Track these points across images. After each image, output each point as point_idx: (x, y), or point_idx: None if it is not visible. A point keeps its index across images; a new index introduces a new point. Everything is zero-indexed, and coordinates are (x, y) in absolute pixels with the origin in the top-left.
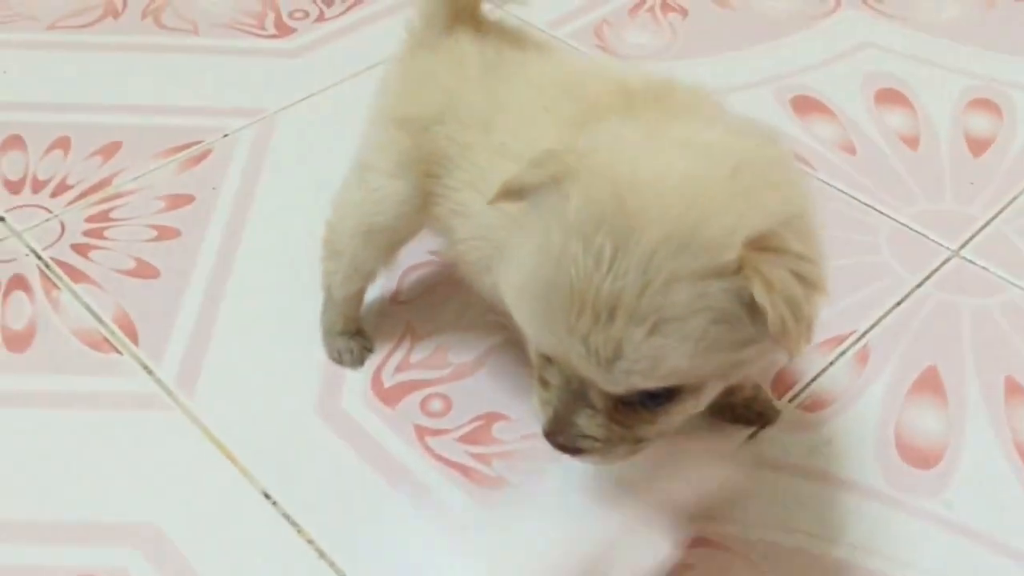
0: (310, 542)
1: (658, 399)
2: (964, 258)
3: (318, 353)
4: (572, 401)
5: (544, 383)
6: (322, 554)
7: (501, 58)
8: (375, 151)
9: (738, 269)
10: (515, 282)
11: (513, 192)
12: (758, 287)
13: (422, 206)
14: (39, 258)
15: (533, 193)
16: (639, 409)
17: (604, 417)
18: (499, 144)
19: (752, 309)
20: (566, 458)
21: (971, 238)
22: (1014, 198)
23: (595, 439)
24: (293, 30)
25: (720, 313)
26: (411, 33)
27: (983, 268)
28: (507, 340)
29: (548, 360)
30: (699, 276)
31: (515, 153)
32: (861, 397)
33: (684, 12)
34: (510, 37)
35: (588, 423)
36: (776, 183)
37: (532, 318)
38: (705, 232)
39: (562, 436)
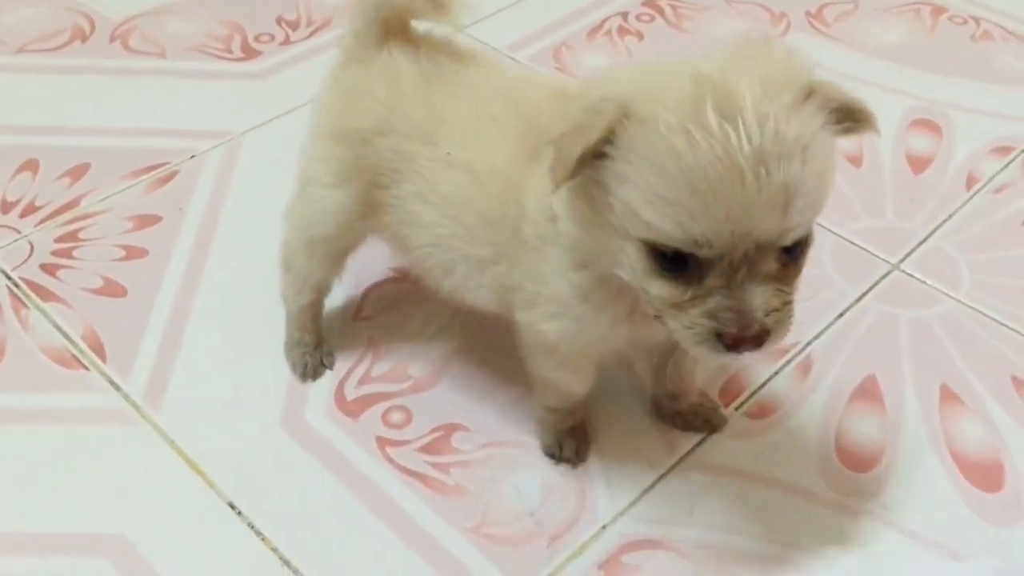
0: (274, 550)
1: (798, 250)
2: (904, 271)
3: (283, 367)
4: (742, 289)
5: (694, 303)
6: (286, 562)
7: (438, 69)
8: (315, 164)
9: (810, 92)
10: (665, 209)
11: (587, 155)
12: (839, 92)
13: (364, 215)
14: (8, 278)
15: (604, 144)
16: (788, 265)
17: (772, 286)
18: (445, 155)
19: (832, 115)
20: None
21: (910, 252)
22: (951, 214)
23: (776, 310)
24: (259, 53)
25: (822, 126)
26: (343, 49)
27: (921, 281)
28: (464, 349)
29: (698, 276)
30: (798, 103)
31: (463, 163)
32: (804, 405)
33: (640, 35)
34: (443, 48)
35: (766, 298)
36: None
37: (701, 217)
38: (776, 75)
39: (755, 324)
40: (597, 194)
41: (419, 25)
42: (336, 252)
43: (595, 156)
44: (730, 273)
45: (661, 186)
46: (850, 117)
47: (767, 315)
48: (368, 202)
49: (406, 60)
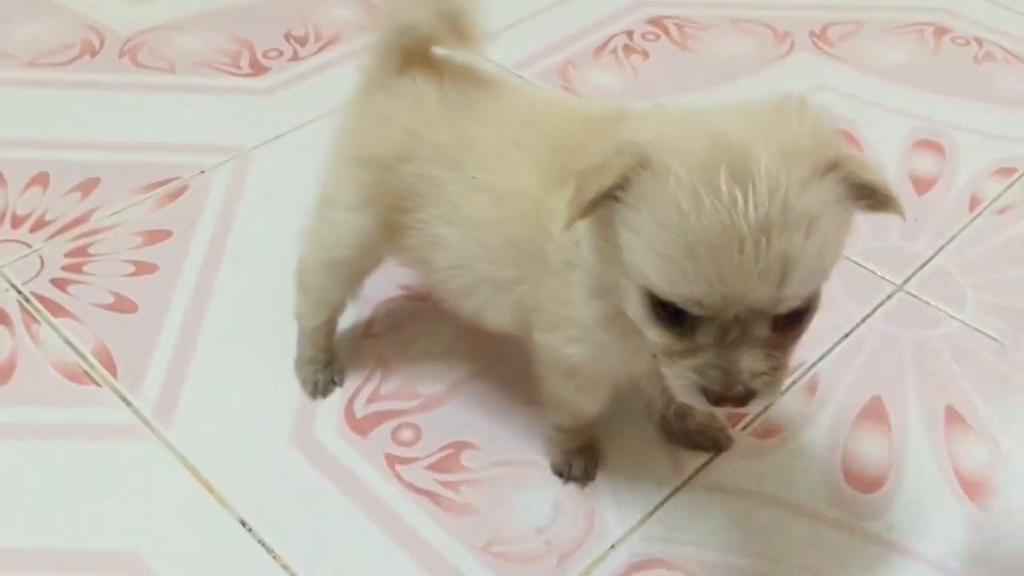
0: (285, 567)
1: (797, 317)
2: (908, 292)
3: (293, 384)
4: (732, 350)
5: (685, 355)
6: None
7: (461, 95)
8: (337, 187)
9: (833, 165)
10: (660, 264)
11: (600, 198)
12: (864, 170)
13: (385, 239)
14: (19, 292)
15: (617, 190)
16: (786, 333)
17: (764, 350)
18: (470, 179)
19: (854, 192)
20: None
21: (914, 273)
22: (954, 235)
23: (764, 374)
24: (268, 69)
25: (839, 202)
26: (365, 75)
27: (925, 302)
28: (474, 368)
29: (692, 329)
30: (815, 176)
31: (488, 187)
32: (810, 425)
33: (646, 54)
34: (464, 73)
35: (754, 361)
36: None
37: (693, 279)
38: (799, 145)
39: (739, 385)
40: (611, 233)
41: (439, 50)
42: (355, 274)
43: (610, 197)
44: (721, 333)
45: (660, 241)
46: (871, 196)
47: (754, 378)
48: (390, 225)
49: (429, 86)
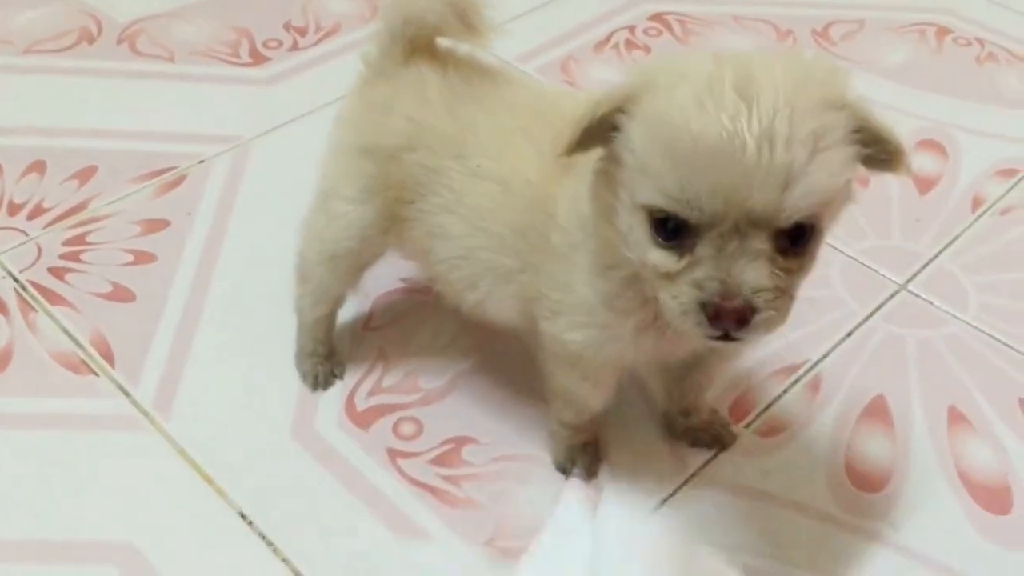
0: (285, 561)
1: (801, 239)
2: (911, 292)
3: (293, 376)
4: (731, 260)
5: (684, 272)
6: (298, 573)
7: (466, 84)
8: (338, 179)
9: (843, 104)
10: (660, 169)
11: (608, 114)
12: (873, 117)
13: (386, 230)
14: (16, 281)
15: (620, 113)
16: (788, 254)
17: (765, 265)
18: (475, 166)
19: (861, 137)
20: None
21: (917, 273)
22: (957, 235)
23: (767, 289)
24: (267, 59)
25: (844, 136)
26: (368, 65)
27: (928, 302)
28: (475, 361)
29: (691, 246)
30: (824, 106)
31: (493, 175)
32: (813, 423)
33: (648, 49)
34: (468, 63)
35: (755, 275)
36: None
37: (695, 179)
38: (810, 77)
39: (738, 298)
40: (614, 171)
41: (443, 40)
42: (356, 266)
43: (611, 128)
44: (721, 244)
45: (667, 146)
46: (878, 146)
47: (755, 293)
48: (392, 216)
49: (433, 75)
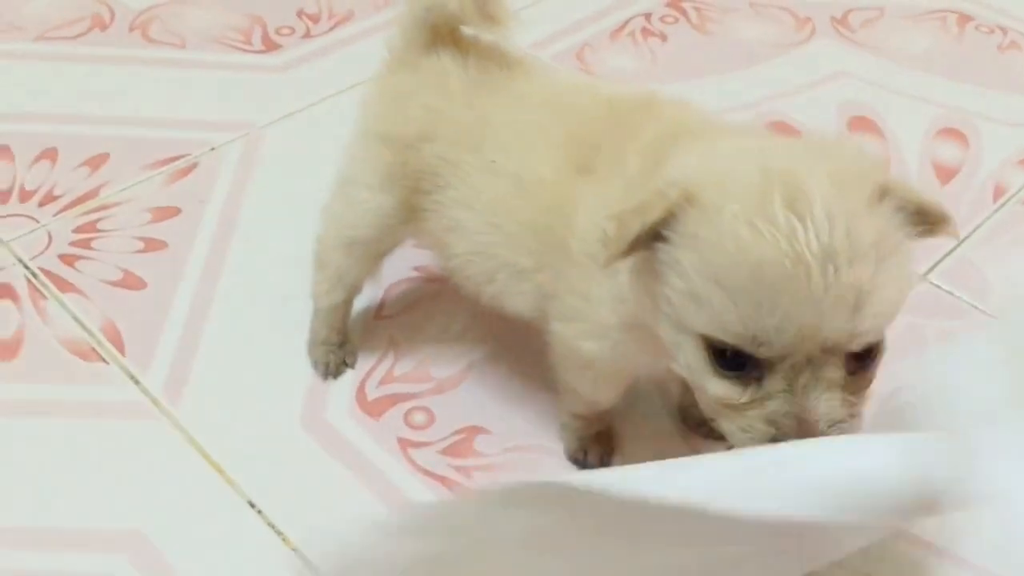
0: (295, 551)
1: (869, 356)
2: (931, 283)
3: (304, 364)
4: (806, 395)
5: (752, 405)
6: (308, 563)
7: (487, 76)
8: (359, 166)
9: (886, 191)
10: (723, 303)
11: (644, 235)
12: (915, 195)
13: (405, 219)
14: (26, 267)
15: (662, 227)
16: (857, 376)
17: (839, 393)
18: (489, 162)
19: (909, 218)
20: None
21: (937, 263)
22: (979, 225)
23: (841, 421)
24: (280, 46)
25: (897, 228)
26: (392, 52)
27: (949, 293)
28: (488, 350)
29: (757, 378)
30: (870, 204)
31: (508, 171)
32: None
33: (664, 37)
34: (491, 54)
35: (831, 407)
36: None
37: (762, 313)
38: (848, 172)
39: (817, 435)
40: (653, 284)
41: (466, 29)
42: (374, 253)
43: (654, 239)
44: (792, 377)
45: (722, 277)
46: (925, 220)
47: (831, 426)
48: (410, 206)
49: (454, 65)
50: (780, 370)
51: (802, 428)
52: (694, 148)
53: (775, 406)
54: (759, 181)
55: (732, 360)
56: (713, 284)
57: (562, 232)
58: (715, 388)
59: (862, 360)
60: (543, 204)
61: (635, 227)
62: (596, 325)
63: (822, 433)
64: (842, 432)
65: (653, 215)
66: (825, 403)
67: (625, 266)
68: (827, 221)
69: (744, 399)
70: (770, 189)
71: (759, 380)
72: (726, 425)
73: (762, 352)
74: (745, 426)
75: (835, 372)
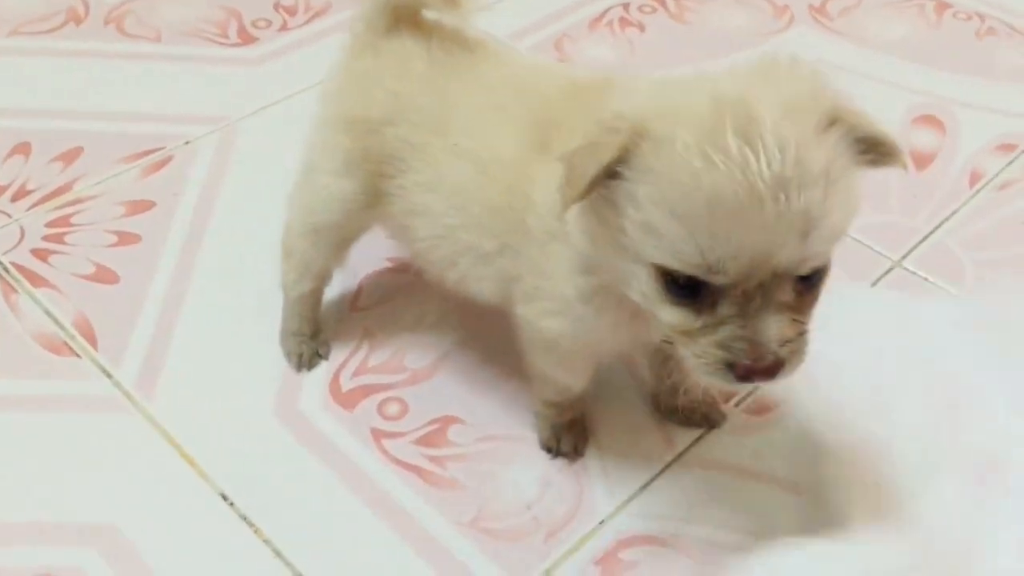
0: (267, 542)
1: (814, 279)
2: (906, 268)
3: (277, 356)
4: (757, 318)
5: (705, 331)
6: (279, 554)
7: (450, 59)
8: (321, 152)
9: (836, 119)
10: (679, 234)
11: (599, 176)
12: (866, 122)
13: (369, 204)
14: None
15: (615, 165)
16: (804, 296)
17: (787, 315)
18: (452, 145)
19: (857, 144)
20: None
21: (913, 249)
22: (954, 211)
23: (790, 340)
24: (256, 39)
25: (846, 155)
26: (353, 36)
27: (923, 278)
28: (462, 341)
29: (710, 303)
30: (820, 130)
31: (470, 153)
32: (804, 403)
33: (642, 27)
34: (454, 37)
35: (781, 328)
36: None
37: (717, 243)
38: (799, 99)
39: (769, 355)
40: (609, 215)
41: (429, 13)
42: (339, 240)
43: (608, 176)
44: (744, 302)
45: (678, 208)
46: (875, 149)
47: (781, 345)
48: (374, 191)
49: (417, 48)
50: (732, 296)
51: (754, 350)
52: (639, 87)
53: (728, 331)
54: (709, 111)
55: (685, 288)
56: (668, 215)
57: (521, 211)
58: (669, 316)
59: (808, 280)
60: (504, 184)
61: (591, 168)
62: (556, 301)
63: (775, 355)
64: (792, 352)
65: (608, 154)
66: (775, 325)
67: (575, 208)
68: (778, 149)
69: (698, 324)
70: (721, 118)
71: (712, 306)
72: (682, 350)
73: (716, 280)
74: (699, 352)
75: (785, 295)
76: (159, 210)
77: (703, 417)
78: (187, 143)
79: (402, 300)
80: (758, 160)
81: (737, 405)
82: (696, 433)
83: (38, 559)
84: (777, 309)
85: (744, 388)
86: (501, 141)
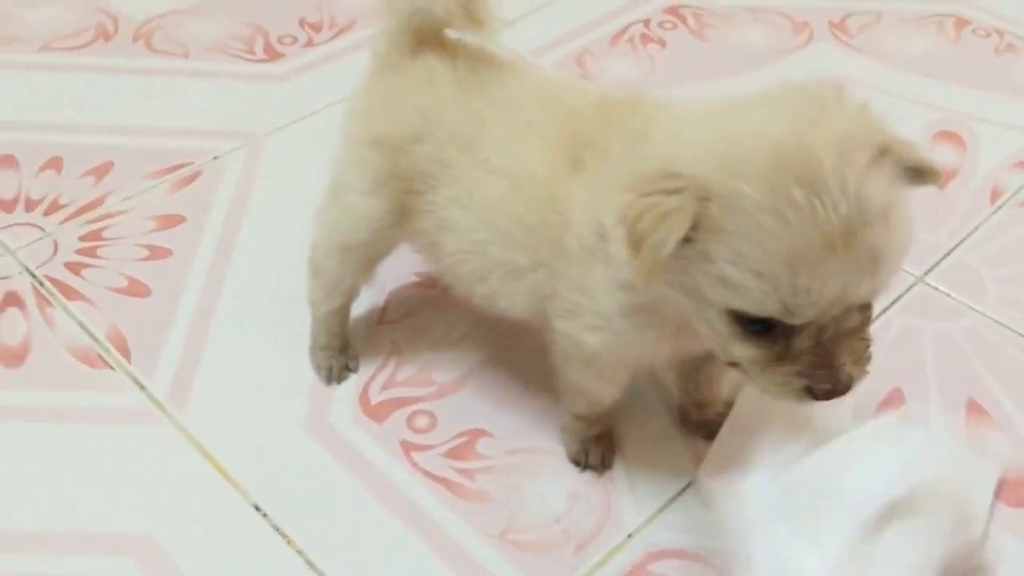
0: (300, 553)
1: (867, 310)
2: (928, 284)
3: (307, 370)
4: (833, 347)
5: (782, 361)
6: (312, 565)
7: (475, 75)
8: (349, 171)
9: (885, 152)
10: (758, 285)
11: (675, 247)
12: (911, 151)
13: (398, 222)
14: (33, 276)
15: (692, 225)
16: (865, 314)
17: (856, 336)
18: (482, 160)
19: (904, 173)
20: None
21: (935, 265)
22: (976, 227)
23: (861, 359)
24: (282, 55)
25: (896, 183)
26: (377, 56)
27: (946, 294)
28: (488, 357)
29: (784, 337)
30: (873, 165)
31: (501, 169)
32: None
33: (663, 43)
34: (477, 55)
35: (852, 352)
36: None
37: (797, 292)
38: (852, 135)
39: (845, 377)
40: (677, 268)
41: (451, 32)
42: (368, 258)
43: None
44: (818, 334)
45: (754, 265)
46: (916, 173)
47: (854, 365)
48: (402, 208)
49: (442, 66)
50: (809, 330)
51: (832, 376)
52: (682, 119)
53: (806, 362)
54: (770, 163)
55: (759, 323)
56: (745, 271)
57: (557, 228)
58: (744, 351)
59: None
60: (537, 200)
61: (667, 242)
62: (597, 316)
63: (848, 375)
64: (861, 368)
65: (681, 225)
66: (847, 351)
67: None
68: (841, 192)
69: (773, 356)
70: (783, 170)
71: (786, 338)
72: (757, 379)
73: (792, 320)
74: (779, 381)
75: (854, 322)
76: (189, 224)
77: None
78: (215, 158)
79: (429, 314)
80: (825, 207)
81: None
82: None
83: (74, 569)
84: (848, 335)
85: (819, 406)
86: (532, 157)
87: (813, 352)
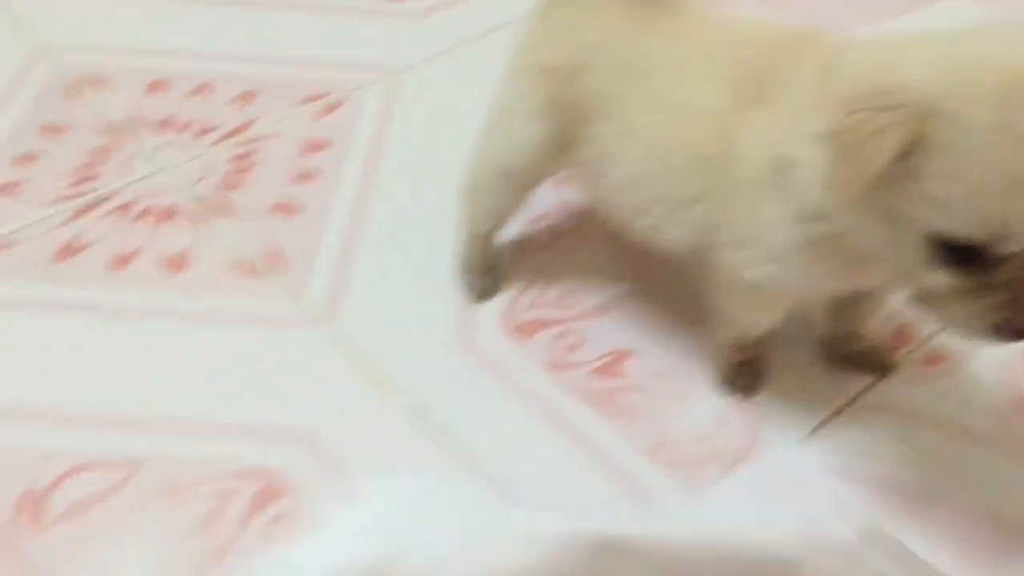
0: (468, 452)
1: None
2: None
3: (454, 289)
4: None
5: (977, 294)
6: (478, 466)
7: (647, 10)
8: (515, 98)
9: None
10: (980, 208)
11: (891, 163)
12: None
13: (561, 150)
14: (188, 193)
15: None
16: None
17: None
18: (655, 94)
19: None
20: None
21: None
22: None
23: None
24: None
25: None
26: None
27: None
28: (633, 283)
29: (984, 268)
30: None
31: (671, 102)
32: (977, 356)
33: None
34: None
35: None
36: None
37: (1014, 215)
38: None
39: None
40: (880, 187)
41: None
42: (527, 184)
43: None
44: (1022, 267)
45: (974, 184)
46: None
47: None
48: (567, 137)
49: (613, 1)
50: (1015, 261)
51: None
52: (883, 47)
53: (1006, 295)
54: (1000, 86)
55: (958, 253)
56: (963, 191)
57: (727, 161)
58: (939, 279)
59: None
60: (708, 133)
61: (881, 158)
62: (769, 248)
63: None
64: None
65: (899, 140)
66: None
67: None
68: None
69: (968, 287)
70: (1013, 95)
71: (987, 270)
72: (941, 311)
73: (1002, 248)
74: (972, 314)
75: None
76: (335, 148)
77: (875, 364)
78: (357, 88)
79: (574, 240)
80: None
81: (910, 355)
82: (869, 380)
83: (250, 455)
84: None
85: (1003, 345)
86: (705, 91)
87: (1015, 285)
